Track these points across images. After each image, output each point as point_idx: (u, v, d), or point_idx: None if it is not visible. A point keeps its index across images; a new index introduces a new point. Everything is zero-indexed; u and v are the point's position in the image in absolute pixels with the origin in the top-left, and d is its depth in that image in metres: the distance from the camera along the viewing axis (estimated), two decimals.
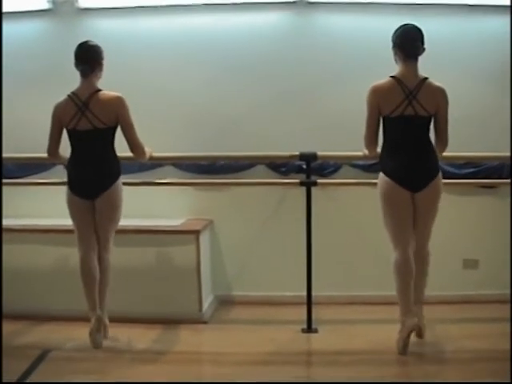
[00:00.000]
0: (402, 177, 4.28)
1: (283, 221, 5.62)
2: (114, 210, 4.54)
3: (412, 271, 4.33)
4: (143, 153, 4.64)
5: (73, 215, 4.54)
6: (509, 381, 3.79)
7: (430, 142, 4.34)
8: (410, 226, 4.36)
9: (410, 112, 4.23)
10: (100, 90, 4.45)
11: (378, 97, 4.30)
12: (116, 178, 4.53)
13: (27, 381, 3.93)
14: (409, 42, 4.25)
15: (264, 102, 5.64)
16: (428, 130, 4.33)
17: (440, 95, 4.29)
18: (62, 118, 4.47)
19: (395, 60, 4.34)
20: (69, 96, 4.45)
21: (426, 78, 4.27)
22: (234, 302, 5.68)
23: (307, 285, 5.00)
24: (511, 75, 5.36)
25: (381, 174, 4.40)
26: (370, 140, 4.43)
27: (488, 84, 5.47)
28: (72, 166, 4.51)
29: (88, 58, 4.44)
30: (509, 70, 5.36)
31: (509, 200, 5.40)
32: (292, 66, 5.60)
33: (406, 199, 4.31)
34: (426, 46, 4.29)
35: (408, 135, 4.28)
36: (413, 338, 4.37)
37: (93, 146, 4.45)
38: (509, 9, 5.31)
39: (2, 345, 4.21)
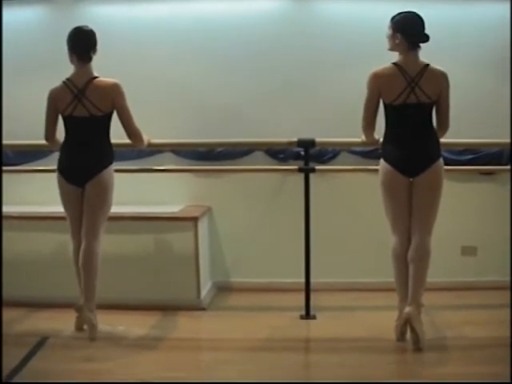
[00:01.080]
0: (400, 163, 4.25)
1: (281, 207, 5.62)
2: (102, 197, 4.46)
3: (406, 258, 4.31)
4: (141, 139, 4.62)
5: (64, 203, 4.51)
6: (509, 368, 3.77)
7: (432, 128, 4.31)
8: (408, 213, 4.33)
9: (413, 100, 4.19)
10: (96, 77, 4.42)
11: (378, 83, 4.26)
12: (106, 165, 4.47)
13: (26, 367, 3.93)
14: (414, 31, 4.20)
15: (262, 88, 5.63)
16: (430, 116, 4.30)
17: (442, 79, 4.25)
18: (57, 105, 4.44)
19: (391, 46, 4.28)
20: (64, 82, 4.42)
21: (428, 65, 4.23)
22: (233, 289, 5.69)
23: (305, 271, 5.00)
24: (511, 62, 5.34)
25: (381, 160, 4.37)
26: (368, 125, 4.41)
27: (486, 70, 5.46)
28: (65, 151, 4.48)
29: (85, 43, 4.40)
30: (507, 55, 5.35)
31: (508, 187, 5.39)
32: (291, 53, 5.59)
33: (403, 185, 4.28)
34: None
35: (410, 123, 4.25)
36: None
37: (88, 133, 4.43)
38: None
39: (1, 333, 4.22)
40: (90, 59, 4.41)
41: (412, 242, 4.31)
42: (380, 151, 4.45)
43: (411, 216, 4.32)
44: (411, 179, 4.28)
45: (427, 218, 4.30)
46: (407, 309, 4.20)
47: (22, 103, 5.51)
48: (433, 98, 4.23)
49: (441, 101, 4.28)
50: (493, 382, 3.73)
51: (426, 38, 4.22)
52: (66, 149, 4.48)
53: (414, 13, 4.25)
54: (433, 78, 4.21)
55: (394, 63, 4.25)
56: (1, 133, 4.97)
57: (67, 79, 4.42)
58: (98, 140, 4.46)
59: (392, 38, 4.27)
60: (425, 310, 4.35)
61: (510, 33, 5.32)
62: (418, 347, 4.17)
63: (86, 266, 4.44)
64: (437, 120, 4.37)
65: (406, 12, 4.27)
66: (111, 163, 4.51)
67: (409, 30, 4.20)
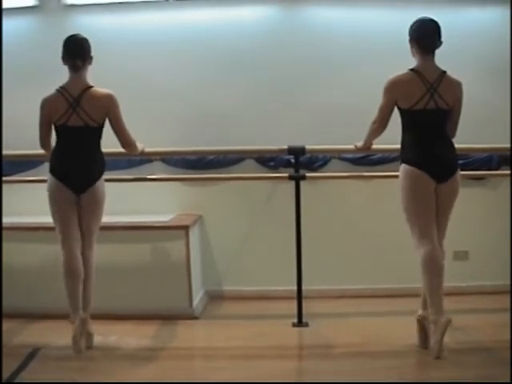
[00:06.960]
0: (428, 165, 4.18)
1: (273, 215, 5.62)
2: (99, 205, 4.47)
3: (443, 265, 4.17)
4: (135, 149, 4.64)
5: (57, 207, 4.40)
6: (508, 372, 3.78)
7: (448, 135, 4.30)
8: (434, 218, 4.27)
9: (432, 105, 4.16)
10: (92, 87, 4.39)
11: (396, 90, 4.23)
12: (101, 174, 4.48)
13: (17, 379, 3.91)
14: (425, 36, 4.19)
15: (252, 96, 5.64)
16: (447, 123, 4.26)
17: (458, 89, 4.24)
18: (51, 113, 4.39)
19: (412, 53, 4.26)
20: (58, 91, 4.38)
21: (445, 72, 4.22)
22: (225, 297, 5.69)
23: (297, 279, 5.00)
24: (511, 68, 5.35)
25: (404, 166, 4.27)
26: (380, 125, 4.35)
27: (476, 75, 5.45)
28: (58, 158, 4.41)
29: (78, 51, 4.36)
30: (497, 62, 5.37)
31: (498, 191, 5.45)
32: (281, 60, 5.60)
33: (432, 189, 4.22)
34: None
35: (429, 128, 4.20)
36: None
37: (81, 143, 4.40)
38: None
39: (1, 343, 4.22)
40: (82, 67, 4.37)
41: None
42: (401, 156, 4.33)
43: None
44: (436, 184, 4.22)
45: (446, 224, 4.34)
46: (447, 316, 4.05)
47: (9, 114, 5.47)
48: (450, 104, 4.21)
49: (454, 110, 4.27)
50: (493, 381, 3.74)
51: (436, 43, 4.20)
52: (59, 156, 4.42)
53: (428, 18, 4.22)
54: (450, 86, 4.20)
55: (411, 69, 4.22)
56: (1, 143, 4.96)
57: (61, 87, 4.38)
58: (91, 149, 4.44)
59: (410, 44, 4.27)
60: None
61: (510, 38, 5.34)
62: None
63: (89, 273, 4.46)
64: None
65: (420, 18, 4.25)
66: (103, 172, 4.51)
67: (420, 36, 4.20)
